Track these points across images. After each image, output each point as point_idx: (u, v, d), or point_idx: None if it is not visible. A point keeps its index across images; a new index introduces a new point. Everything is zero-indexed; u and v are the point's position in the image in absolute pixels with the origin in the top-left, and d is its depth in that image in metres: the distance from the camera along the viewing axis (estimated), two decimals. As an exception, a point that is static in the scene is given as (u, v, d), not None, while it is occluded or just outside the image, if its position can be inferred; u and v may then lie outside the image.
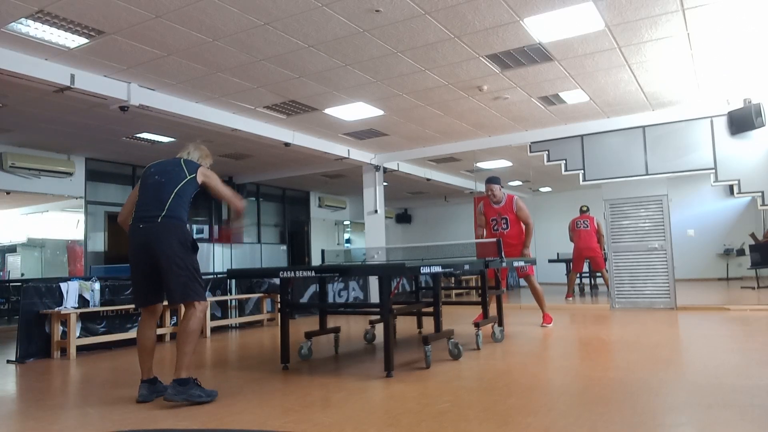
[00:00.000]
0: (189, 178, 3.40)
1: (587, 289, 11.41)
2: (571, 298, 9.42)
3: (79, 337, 5.33)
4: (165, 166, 3.48)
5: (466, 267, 4.47)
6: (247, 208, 3.71)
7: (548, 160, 8.50)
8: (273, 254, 13.22)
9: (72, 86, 5.41)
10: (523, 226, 6.02)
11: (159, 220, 3.27)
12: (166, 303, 3.40)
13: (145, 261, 3.29)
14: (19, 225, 9.74)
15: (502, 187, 6.11)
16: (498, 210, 6.02)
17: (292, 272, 4.13)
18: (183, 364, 3.16)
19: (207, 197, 3.66)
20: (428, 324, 5.51)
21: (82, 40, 4.84)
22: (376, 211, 10.24)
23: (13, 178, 8.31)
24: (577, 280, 11.02)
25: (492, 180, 6.08)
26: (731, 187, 8.23)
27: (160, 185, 3.37)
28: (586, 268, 10.44)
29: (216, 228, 12.20)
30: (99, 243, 9.78)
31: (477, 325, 4.91)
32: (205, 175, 3.48)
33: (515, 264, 5.54)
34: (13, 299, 8.13)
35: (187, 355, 3.18)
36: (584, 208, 9.77)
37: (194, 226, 11.78)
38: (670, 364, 3.94)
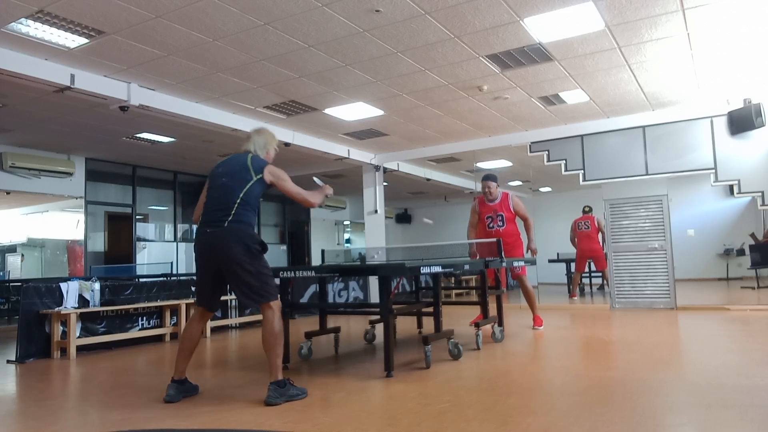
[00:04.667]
0: (256, 179, 3.32)
1: (587, 289, 11.41)
2: (576, 298, 9.44)
3: (79, 337, 5.33)
4: (232, 165, 3.38)
5: (466, 267, 4.47)
6: (327, 198, 3.75)
7: (548, 160, 8.50)
8: (273, 254, 13.20)
9: (72, 86, 5.42)
10: (519, 224, 5.98)
11: (225, 225, 3.22)
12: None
13: (211, 265, 3.29)
14: (19, 225, 9.74)
15: (498, 185, 6.05)
16: (493, 207, 5.90)
17: (292, 272, 4.13)
18: (276, 367, 3.15)
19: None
20: (428, 324, 5.50)
21: (82, 40, 4.84)
22: (376, 211, 10.24)
23: (13, 178, 8.31)
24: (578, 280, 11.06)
25: (489, 177, 6.00)
26: (731, 187, 8.22)
27: (226, 189, 3.30)
28: (586, 269, 10.44)
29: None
30: (99, 243, 9.79)
31: (477, 325, 4.91)
32: (273, 174, 3.38)
33: (515, 264, 5.54)
34: (13, 299, 8.12)
35: (278, 356, 3.18)
36: (586, 209, 9.80)
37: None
38: (670, 364, 3.94)
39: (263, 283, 3.23)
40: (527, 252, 5.96)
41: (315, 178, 4.06)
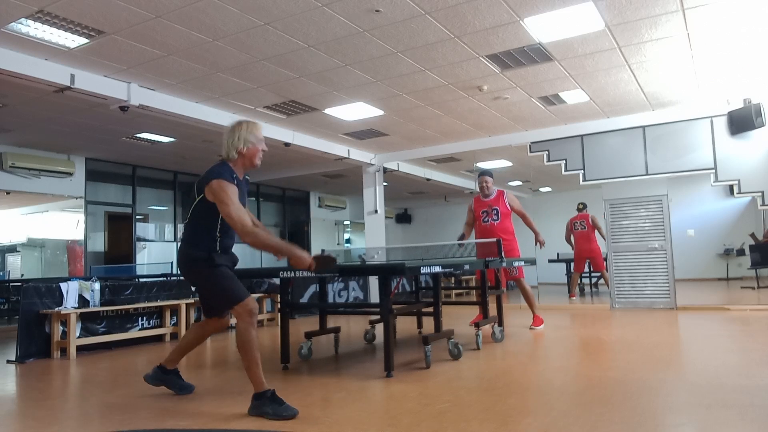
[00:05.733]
0: (198, 199, 3.08)
1: (587, 289, 11.41)
2: (575, 298, 9.44)
3: (79, 337, 5.33)
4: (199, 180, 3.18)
5: (466, 267, 4.47)
6: (290, 253, 2.95)
7: (548, 160, 8.50)
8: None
9: (72, 86, 5.41)
10: (515, 225, 6.02)
11: (181, 246, 3.20)
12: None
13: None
14: (19, 225, 9.74)
15: (494, 181, 6.11)
16: (488, 202, 5.98)
17: (292, 272, 4.13)
18: (251, 379, 2.95)
19: None
20: (428, 324, 5.50)
21: (82, 40, 4.84)
22: (376, 211, 10.24)
23: (13, 178, 8.31)
24: (578, 281, 11.05)
25: (485, 173, 6.12)
26: (731, 187, 8.22)
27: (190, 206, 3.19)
28: (585, 269, 10.44)
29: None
30: (99, 243, 9.79)
31: (477, 325, 4.91)
32: (213, 193, 2.98)
33: (515, 264, 5.54)
34: (13, 299, 8.12)
35: (253, 364, 2.94)
36: (580, 206, 9.77)
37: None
38: (670, 364, 3.94)
39: (221, 294, 3.09)
40: (536, 245, 5.98)
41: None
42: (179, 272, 3.34)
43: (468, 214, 6.20)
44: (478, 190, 6.18)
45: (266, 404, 2.83)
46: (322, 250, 5.92)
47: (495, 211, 5.92)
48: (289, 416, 2.78)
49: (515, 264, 5.54)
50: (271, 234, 3.13)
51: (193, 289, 3.34)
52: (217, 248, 3.12)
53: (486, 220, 5.96)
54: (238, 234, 2.98)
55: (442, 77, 6.10)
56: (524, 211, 6.06)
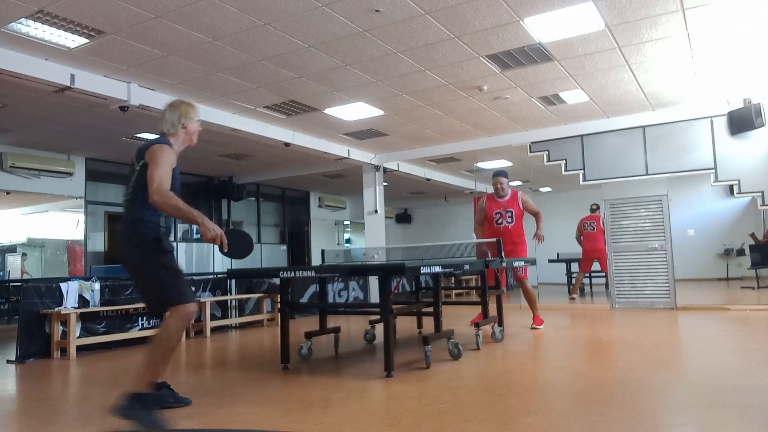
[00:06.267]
0: (139, 166, 2.89)
1: (587, 289, 11.41)
2: (576, 296, 9.45)
3: (79, 337, 5.33)
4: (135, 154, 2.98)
5: (466, 267, 4.47)
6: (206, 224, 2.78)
7: (548, 160, 8.50)
8: (273, 254, 13.21)
9: (72, 86, 5.41)
10: (525, 220, 5.98)
11: (123, 224, 2.92)
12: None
13: (125, 266, 3.01)
14: (19, 225, 9.74)
15: (509, 180, 6.02)
16: (503, 204, 5.86)
17: (292, 272, 4.13)
18: (145, 373, 2.75)
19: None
20: (428, 324, 5.50)
21: (82, 40, 4.84)
22: (376, 211, 10.24)
23: (13, 178, 8.31)
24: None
25: (500, 173, 5.96)
26: (731, 187, 8.22)
27: (127, 182, 2.97)
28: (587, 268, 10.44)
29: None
30: (99, 243, 9.78)
31: (477, 325, 4.91)
32: (152, 153, 2.82)
33: (515, 264, 5.54)
34: (13, 299, 8.12)
35: (155, 364, 2.79)
36: (594, 207, 9.84)
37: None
38: (670, 364, 3.94)
39: (167, 288, 2.83)
40: (533, 238, 5.92)
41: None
42: (119, 252, 2.94)
43: (478, 213, 6.04)
44: (479, 192, 6.11)
45: (133, 409, 2.62)
46: (322, 251, 5.94)
47: (510, 214, 5.81)
48: (158, 428, 2.57)
49: (516, 264, 5.53)
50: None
51: (132, 276, 3.01)
52: (162, 225, 2.93)
53: (500, 222, 5.83)
54: (150, 192, 2.72)
55: (442, 77, 6.10)
56: (539, 209, 5.99)
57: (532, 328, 5.90)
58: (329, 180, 12.77)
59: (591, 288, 11.48)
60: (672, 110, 7.59)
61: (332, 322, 5.25)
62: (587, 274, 10.36)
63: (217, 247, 2.87)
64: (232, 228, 2.97)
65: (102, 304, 5.63)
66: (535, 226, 5.92)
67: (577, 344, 5.04)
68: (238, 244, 2.94)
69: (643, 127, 7.81)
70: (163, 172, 2.76)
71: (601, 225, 9.61)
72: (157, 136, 3.03)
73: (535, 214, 6.00)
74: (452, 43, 5.19)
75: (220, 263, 11.84)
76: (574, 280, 10.21)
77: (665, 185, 7.70)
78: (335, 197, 15.20)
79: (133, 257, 2.89)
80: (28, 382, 4.22)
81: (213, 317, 6.69)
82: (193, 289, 2.99)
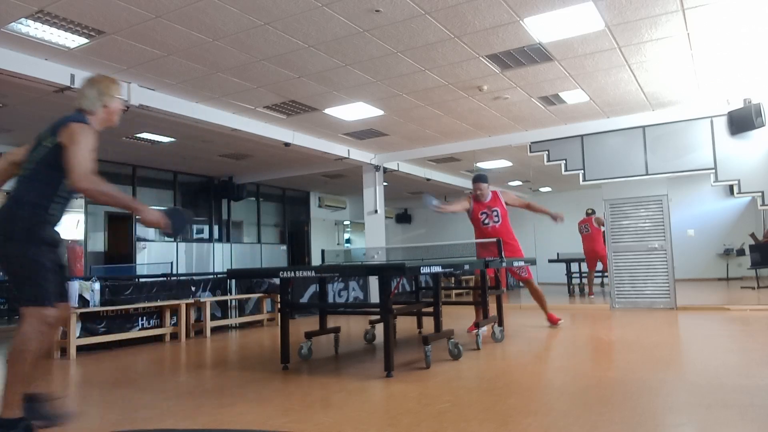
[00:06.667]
0: (50, 143, 2.59)
1: (587, 289, 11.41)
2: (592, 296, 9.49)
3: (79, 337, 5.33)
4: (44, 129, 2.68)
5: (466, 267, 4.47)
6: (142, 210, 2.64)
7: (548, 160, 8.50)
8: (273, 254, 13.23)
9: (72, 86, 5.41)
10: (524, 221, 5.98)
11: (5, 203, 2.56)
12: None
13: None
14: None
15: (489, 185, 5.99)
16: (487, 204, 5.82)
17: (292, 272, 4.14)
18: (4, 397, 2.40)
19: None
20: (428, 324, 5.50)
21: (82, 40, 4.84)
22: (376, 211, 10.24)
23: (13, 179, 8.29)
24: (578, 281, 11.07)
25: (479, 178, 5.91)
26: (731, 187, 8.23)
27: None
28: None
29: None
30: (99, 243, 9.79)
31: (477, 324, 4.91)
32: (69, 133, 2.53)
33: (515, 264, 5.53)
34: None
35: (17, 382, 2.41)
36: (589, 211, 9.96)
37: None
38: (670, 364, 3.94)
39: (27, 283, 2.48)
40: (557, 221, 5.96)
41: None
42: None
43: (462, 202, 5.96)
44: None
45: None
46: (322, 251, 5.94)
47: (495, 213, 5.80)
48: None
49: (516, 264, 5.53)
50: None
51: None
52: (49, 211, 2.56)
53: (486, 222, 5.82)
54: (75, 179, 2.46)
55: (442, 77, 6.10)
56: (524, 200, 6.05)
57: (550, 326, 5.91)
58: (329, 180, 12.77)
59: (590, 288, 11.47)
60: (672, 110, 7.58)
61: (332, 322, 5.25)
62: (597, 273, 10.39)
63: (158, 231, 2.72)
64: (167, 208, 2.86)
65: (102, 304, 5.62)
66: (533, 234, 5.93)
67: (577, 344, 5.04)
68: (177, 221, 2.77)
69: (643, 127, 7.81)
70: (87, 154, 2.51)
71: (595, 225, 9.73)
72: (73, 113, 2.68)
73: (527, 206, 6.03)
74: (452, 43, 5.19)
75: (220, 263, 11.85)
76: (586, 280, 10.28)
77: (665, 185, 7.70)
78: (335, 197, 15.21)
79: (2, 241, 2.51)
80: (28, 382, 4.22)
81: (213, 317, 6.68)
82: (69, 290, 2.75)
